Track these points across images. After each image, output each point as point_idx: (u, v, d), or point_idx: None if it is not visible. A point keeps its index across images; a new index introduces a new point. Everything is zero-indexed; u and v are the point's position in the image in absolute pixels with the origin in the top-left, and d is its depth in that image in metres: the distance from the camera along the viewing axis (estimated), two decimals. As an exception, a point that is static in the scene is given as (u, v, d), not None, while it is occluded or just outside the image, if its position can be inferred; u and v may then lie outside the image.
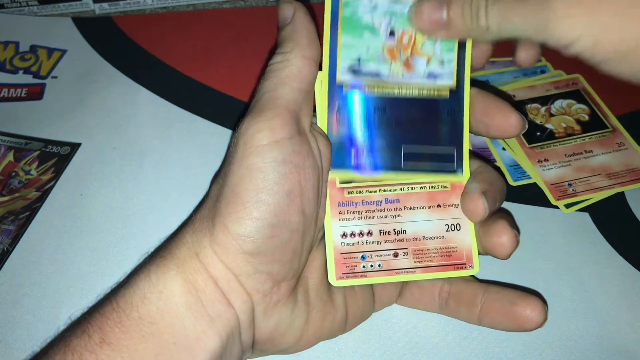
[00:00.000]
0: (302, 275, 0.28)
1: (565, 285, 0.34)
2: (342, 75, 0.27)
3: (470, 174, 0.28)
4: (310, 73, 0.26)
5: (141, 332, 0.23)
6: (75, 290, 0.33)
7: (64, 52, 0.47)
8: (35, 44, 0.48)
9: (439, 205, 0.28)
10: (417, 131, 0.28)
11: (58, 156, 0.40)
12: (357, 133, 0.27)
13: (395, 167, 0.28)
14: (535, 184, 0.39)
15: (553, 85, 0.44)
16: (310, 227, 0.26)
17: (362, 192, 0.28)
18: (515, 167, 0.40)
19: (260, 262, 0.25)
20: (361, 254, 0.28)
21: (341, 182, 0.28)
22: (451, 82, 0.28)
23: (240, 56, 0.47)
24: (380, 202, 0.28)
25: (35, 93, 0.44)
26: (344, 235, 0.27)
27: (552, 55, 0.47)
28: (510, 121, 0.27)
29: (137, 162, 0.39)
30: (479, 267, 0.28)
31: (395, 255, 0.28)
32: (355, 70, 0.27)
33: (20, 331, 0.31)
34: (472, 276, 0.30)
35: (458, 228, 0.28)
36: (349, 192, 0.28)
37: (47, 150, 0.40)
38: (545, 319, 0.28)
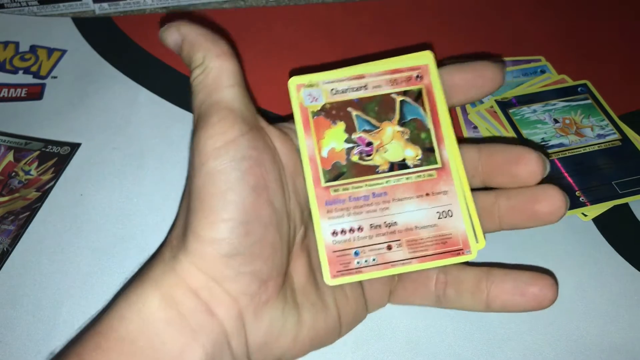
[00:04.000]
0: (287, 274, 0.27)
1: (565, 285, 0.34)
2: None
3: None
4: (233, 67, 0.26)
5: (121, 353, 0.23)
6: (75, 291, 0.33)
7: (63, 52, 0.47)
8: (35, 44, 0.48)
9: (427, 194, 0.27)
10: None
11: (58, 156, 0.40)
12: None
13: None
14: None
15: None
16: (283, 220, 0.26)
17: (348, 189, 0.27)
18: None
19: (241, 263, 0.24)
20: (354, 250, 0.27)
21: (326, 182, 0.27)
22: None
23: (240, 56, 0.47)
24: (368, 197, 0.27)
25: (35, 93, 0.44)
26: (334, 233, 0.27)
27: (553, 57, 0.47)
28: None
29: (137, 162, 0.39)
30: (476, 253, 0.27)
31: (389, 247, 0.27)
32: (543, 146, 0.39)
33: (20, 331, 0.31)
34: (466, 263, 0.29)
35: (450, 214, 0.27)
36: (335, 190, 0.27)
37: (47, 150, 0.40)
38: (557, 294, 0.28)
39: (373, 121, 0.28)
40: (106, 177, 0.38)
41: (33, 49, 0.48)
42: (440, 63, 0.29)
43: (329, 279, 0.27)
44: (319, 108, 0.28)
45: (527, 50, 0.48)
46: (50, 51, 0.47)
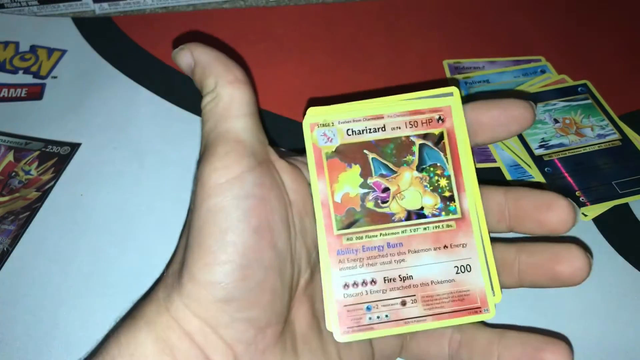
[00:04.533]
0: (288, 320, 0.25)
1: (565, 285, 0.34)
2: (536, 150, 0.38)
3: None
4: (245, 95, 0.25)
5: None
6: (75, 291, 0.33)
7: (63, 52, 0.47)
8: (35, 44, 0.48)
9: (445, 247, 0.26)
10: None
11: (58, 156, 0.40)
12: None
13: None
14: (538, 182, 0.39)
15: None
16: (286, 264, 0.24)
17: (362, 238, 0.26)
18: (515, 167, 0.40)
19: (236, 309, 0.23)
20: (366, 305, 0.25)
21: (339, 229, 0.26)
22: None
23: (240, 56, 0.47)
24: (382, 247, 0.26)
25: (35, 93, 0.44)
26: (346, 285, 0.25)
27: (554, 57, 0.47)
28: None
29: (137, 162, 0.39)
30: (494, 311, 0.26)
31: (403, 303, 0.25)
32: (543, 146, 0.38)
33: (20, 331, 0.31)
34: (483, 322, 0.28)
35: (468, 269, 0.26)
36: (348, 239, 0.26)
37: (47, 150, 0.40)
38: None
39: (390, 165, 0.26)
40: (106, 177, 0.38)
41: (33, 49, 0.48)
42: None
43: (339, 336, 0.25)
44: (333, 150, 0.26)
45: (527, 50, 0.48)
46: (50, 51, 0.47)
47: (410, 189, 0.26)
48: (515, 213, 0.27)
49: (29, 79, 0.45)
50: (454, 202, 0.26)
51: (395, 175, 0.26)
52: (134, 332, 0.23)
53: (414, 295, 0.26)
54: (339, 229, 0.26)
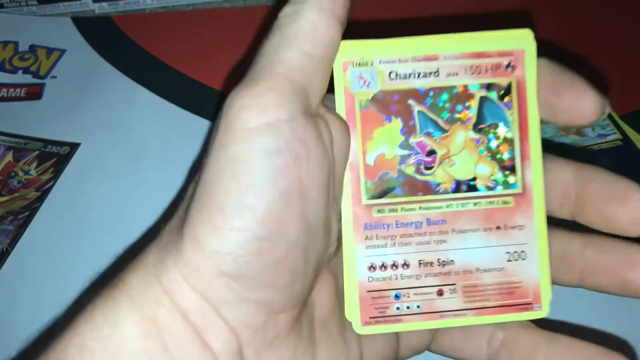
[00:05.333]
0: (308, 303, 0.21)
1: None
2: None
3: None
4: (329, 33, 0.19)
5: None
6: (75, 291, 0.33)
7: (63, 51, 0.47)
8: (34, 43, 0.48)
9: (498, 227, 0.22)
10: None
11: (57, 156, 0.40)
12: None
13: None
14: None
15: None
16: (316, 240, 0.20)
17: (397, 211, 0.21)
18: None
19: (246, 288, 0.18)
20: (394, 292, 0.22)
21: (369, 198, 0.21)
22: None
23: (240, 56, 0.47)
24: (421, 224, 0.22)
25: (35, 93, 0.44)
26: (372, 267, 0.21)
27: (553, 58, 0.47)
28: (583, 102, 0.20)
29: (137, 162, 0.39)
30: (548, 309, 0.22)
31: (440, 293, 0.22)
32: None
33: (20, 331, 0.31)
34: (531, 321, 0.24)
35: (523, 257, 0.22)
36: (379, 211, 0.21)
37: (47, 150, 0.40)
38: None
39: (440, 122, 0.21)
40: (106, 177, 0.38)
41: (32, 48, 0.47)
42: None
43: (359, 327, 0.22)
44: (370, 97, 0.21)
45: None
46: (49, 51, 0.47)
47: (462, 154, 0.22)
48: (581, 198, 0.22)
49: (28, 78, 0.45)
50: (515, 173, 0.22)
51: (445, 135, 0.22)
52: (112, 307, 0.18)
53: (454, 284, 0.22)
54: (368, 198, 0.21)
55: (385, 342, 0.23)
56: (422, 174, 0.22)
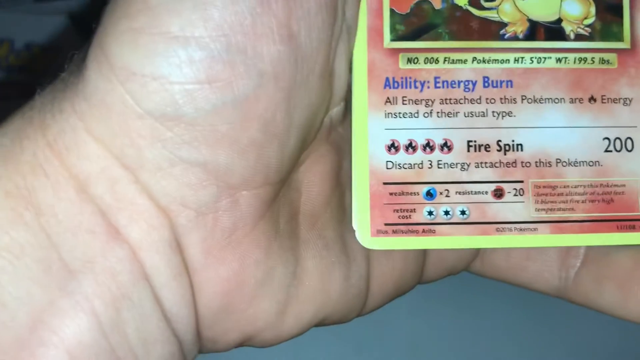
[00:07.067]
0: (289, 184, 0.15)
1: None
2: None
3: None
4: None
5: None
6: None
7: (59, 49, 0.47)
8: (30, 41, 0.48)
9: (592, 99, 0.15)
10: None
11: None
12: None
13: None
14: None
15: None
16: (308, 82, 0.13)
17: (437, 62, 0.15)
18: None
19: (185, 140, 0.12)
20: (427, 188, 0.15)
21: (394, 39, 0.15)
22: None
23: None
24: (474, 85, 0.15)
25: (31, 92, 0.44)
26: (393, 147, 0.15)
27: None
28: None
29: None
30: None
31: (499, 194, 0.15)
32: None
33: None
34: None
35: (629, 147, 0.15)
36: (410, 61, 0.15)
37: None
38: None
39: None
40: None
41: (28, 46, 0.47)
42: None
43: (366, 237, 0.15)
44: None
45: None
46: (45, 49, 0.47)
47: None
48: None
49: (23, 77, 0.45)
50: (622, 17, 0.15)
51: None
52: None
53: (521, 182, 0.15)
54: (395, 39, 0.15)
55: (408, 258, 0.16)
56: (480, 7, 0.15)
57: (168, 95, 0.11)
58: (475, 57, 0.15)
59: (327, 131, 0.15)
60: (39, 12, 0.51)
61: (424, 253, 0.17)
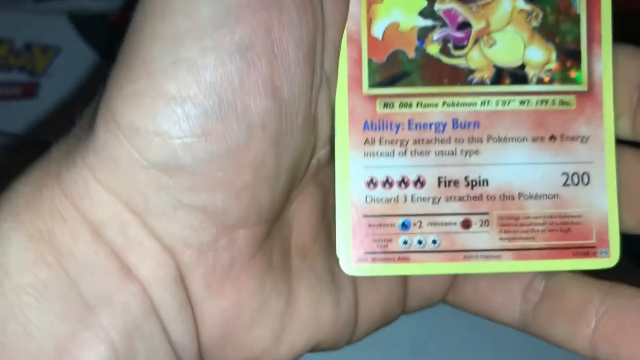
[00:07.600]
0: (281, 221, 0.16)
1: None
2: None
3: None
4: None
5: None
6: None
7: (59, 49, 0.47)
8: (30, 41, 0.48)
9: (552, 138, 0.16)
10: None
11: (53, 155, 0.40)
12: None
13: None
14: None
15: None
16: (293, 129, 0.14)
17: (411, 106, 0.16)
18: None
19: (186, 188, 0.13)
20: (402, 220, 0.16)
21: (372, 86, 0.16)
22: None
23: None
24: (444, 126, 0.16)
25: (30, 91, 0.44)
26: (371, 183, 0.16)
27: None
28: None
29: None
30: (618, 256, 0.17)
31: (466, 224, 0.16)
32: None
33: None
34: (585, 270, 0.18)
35: (585, 181, 0.16)
36: (387, 105, 0.16)
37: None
38: None
39: None
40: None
41: (28, 46, 0.47)
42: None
43: (349, 264, 0.16)
44: None
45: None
46: (45, 48, 0.47)
47: (507, 30, 0.16)
48: None
49: (23, 77, 0.45)
50: (580, 62, 0.16)
51: (485, 2, 0.16)
52: None
53: (487, 214, 0.16)
54: (372, 85, 0.16)
55: (390, 287, 0.18)
56: (450, 55, 0.16)
57: (169, 149, 0.13)
58: (445, 101, 0.16)
59: (314, 172, 0.17)
60: (39, 12, 0.51)
61: (404, 283, 0.18)
